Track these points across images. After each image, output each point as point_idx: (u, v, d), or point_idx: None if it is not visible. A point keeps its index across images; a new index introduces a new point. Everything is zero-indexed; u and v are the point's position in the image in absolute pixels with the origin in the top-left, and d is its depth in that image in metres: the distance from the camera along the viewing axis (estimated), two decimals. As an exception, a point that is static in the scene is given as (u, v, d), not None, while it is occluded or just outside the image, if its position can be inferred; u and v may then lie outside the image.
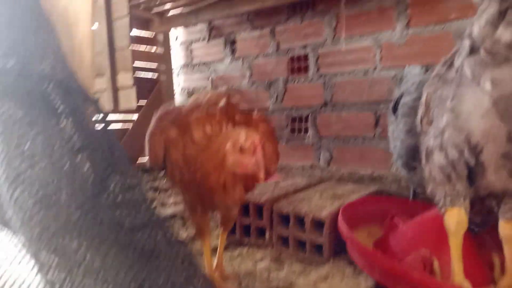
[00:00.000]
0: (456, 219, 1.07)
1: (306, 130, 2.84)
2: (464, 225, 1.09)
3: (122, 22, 2.75)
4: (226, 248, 1.58)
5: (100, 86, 2.98)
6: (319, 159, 2.79)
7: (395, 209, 1.49)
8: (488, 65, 0.88)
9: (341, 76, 2.62)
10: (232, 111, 1.15)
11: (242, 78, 3.17)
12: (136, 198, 1.17)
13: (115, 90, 2.85)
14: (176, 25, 3.34)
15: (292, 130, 2.90)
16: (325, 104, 2.72)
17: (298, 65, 2.82)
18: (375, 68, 2.46)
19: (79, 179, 1.11)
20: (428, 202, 1.59)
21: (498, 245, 1.13)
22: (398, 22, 2.33)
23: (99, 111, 1.11)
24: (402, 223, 1.36)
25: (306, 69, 2.79)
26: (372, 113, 2.50)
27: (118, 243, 1.10)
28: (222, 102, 1.15)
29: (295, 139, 2.87)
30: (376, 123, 2.48)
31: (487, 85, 0.88)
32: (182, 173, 1.11)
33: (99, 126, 1.14)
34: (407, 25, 2.30)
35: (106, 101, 2.97)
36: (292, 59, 2.85)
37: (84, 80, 1.18)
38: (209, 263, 1.21)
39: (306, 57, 2.78)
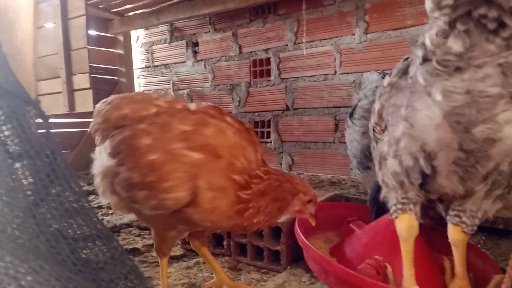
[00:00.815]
0: (407, 225, 1.09)
1: (268, 135, 2.83)
2: (415, 230, 1.10)
3: (78, 22, 2.65)
4: (182, 257, 1.54)
5: (55, 88, 2.86)
6: (281, 163, 2.79)
7: (352, 214, 1.50)
8: (440, 75, 0.89)
9: (302, 81, 2.63)
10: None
11: (204, 81, 3.13)
12: (80, 207, 1.11)
13: (70, 92, 2.74)
14: (136, 27, 3.26)
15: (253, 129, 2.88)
16: (287, 108, 2.72)
17: (260, 69, 2.81)
18: (335, 73, 2.48)
19: (18, 187, 1.04)
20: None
21: (449, 249, 1.15)
22: (357, 28, 2.36)
23: (41, 114, 1.05)
24: (358, 229, 1.37)
25: (268, 73, 2.78)
26: (332, 118, 2.52)
27: (58, 255, 1.04)
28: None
29: (257, 143, 2.85)
30: (336, 128, 2.51)
31: (438, 97, 0.89)
32: None
33: (41, 131, 1.07)
34: (366, 31, 2.33)
35: (61, 104, 2.86)
36: (254, 62, 2.84)
37: (26, 82, 1.11)
38: (165, 278, 1.16)
39: (268, 61, 2.77)
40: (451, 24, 0.84)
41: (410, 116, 0.99)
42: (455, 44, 0.84)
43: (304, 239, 1.21)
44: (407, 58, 1.11)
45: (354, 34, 2.38)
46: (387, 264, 1.17)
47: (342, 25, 2.43)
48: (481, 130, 0.89)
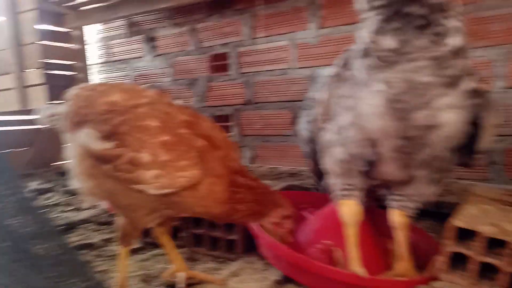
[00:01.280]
0: (351, 210, 1.14)
1: (229, 129, 2.85)
2: (359, 216, 1.16)
3: (28, 16, 2.57)
4: (140, 250, 1.55)
5: (6, 84, 2.77)
6: (243, 157, 2.82)
7: (305, 202, 1.55)
8: (379, 68, 0.95)
9: (261, 75, 2.67)
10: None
11: (163, 76, 3.10)
12: (29, 205, 1.10)
13: (22, 88, 2.65)
14: (92, 21, 3.19)
15: (215, 129, 2.90)
16: (247, 102, 2.75)
17: (219, 63, 2.83)
18: (292, 68, 2.53)
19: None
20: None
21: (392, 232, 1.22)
22: (311, 23, 2.42)
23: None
24: (310, 215, 1.42)
25: (227, 67, 2.80)
26: (290, 111, 2.57)
27: (9, 252, 1.03)
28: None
29: (218, 138, 2.86)
30: (294, 121, 2.56)
31: (380, 86, 0.95)
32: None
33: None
34: (320, 25, 2.39)
35: (14, 101, 2.76)
36: (213, 57, 2.85)
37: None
38: (125, 267, 1.18)
39: (227, 56, 2.79)
40: (385, 22, 0.89)
41: (355, 106, 1.03)
42: (390, 41, 0.90)
43: (257, 226, 1.24)
44: (347, 50, 1.16)
45: (309, 29, 2.43)
46: (336, 248, 1.23)
47: (297, 20, 2.47)
48: (419, 116, 0.95)
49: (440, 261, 1.05)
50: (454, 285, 1.02)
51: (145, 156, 1.00)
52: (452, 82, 0.92)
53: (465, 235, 1.03)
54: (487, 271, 1.00)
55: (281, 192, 1.65)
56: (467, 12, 1.96)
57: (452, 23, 0.87)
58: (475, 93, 0.97)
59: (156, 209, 1.12)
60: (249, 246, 1.39)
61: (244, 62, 2.72)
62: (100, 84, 1.21)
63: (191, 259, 1.43)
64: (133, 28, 3.21)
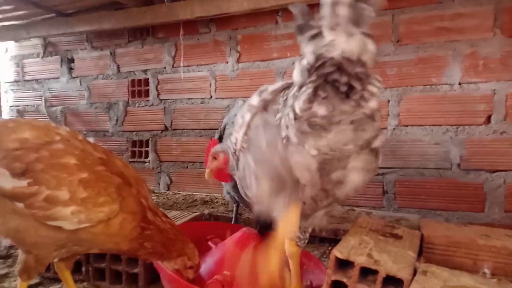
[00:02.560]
0: (295, 247, 1.24)
1: (146, 154, 2.85)
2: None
3: None
4: (37, 286, 1.49)
5: None
6: (159, 183, 2.81)
7: (212, 233, 1.61)
8: (310, 134, 1.04)
9: (180, 103, 2.71)
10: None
11: (80, 98, 3.03)
12: None
13: None
14: (4, 39, 3.04)
15: (133, 154, 2.87)
16: (166, 129, 2.77)
17: (139, 88, 2.83)
18: (210, 97, 2.61)
19: None
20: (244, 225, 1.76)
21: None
22: (230, 57, 2.53)
23: None
24: (214, 246, 1.48)
25: (147, 93, 2.81)
26: (207, 139, 2.64)
27: None
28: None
29: (135, 163, 2.84)
30: (212, 148, 2.63)
31: (313, 151, 1.03)
32: None
33: None
34: (238, 60, 2.51)
35: None
36: (133, 82, 2.85)
37: None
38: None
39: (147, 82, 2.81)
40: (315, 92, 0.97)
41: (286, 155, 1.08)
42: (320, 109, 0.98)
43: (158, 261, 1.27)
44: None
45: (227, 62, 2.55)
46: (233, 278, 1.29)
47: (217, 52, 2.58)
48: (336, 175, 1.08)
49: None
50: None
51: (63, 194, 1.02)
52: (366, 145, 1.05)
53: (346, 264, 1.15)
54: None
55: (190, 223, 1.70)
56: (365, 57, 2.19)
57: (371, 88, 0.99)
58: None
59: (64, 246, 1.11)
60: (152, 279, 1.40)
61: (163, 89, 2.76)
62: (11, 120, 1.17)
63: (93, 293, 1.42)
64: (49, 48, 3.11)
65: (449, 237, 1.37)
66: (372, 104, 1.02)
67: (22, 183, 1.01)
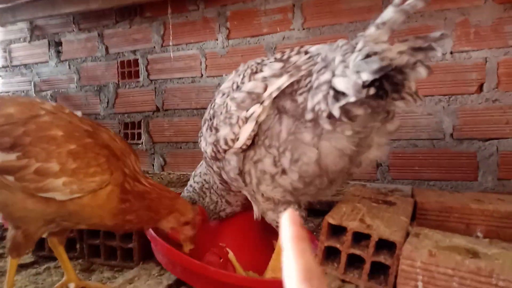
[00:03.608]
0: None
1: (139, 136, 2.83)
2: None
3: None
4: (32, 264, 1.49)
5: None
6: (153, 164, 2.80)
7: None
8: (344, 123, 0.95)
9: (171, 83, 2.68)
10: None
11: (69, 82, 2.99)
12: None
13: None
14: (-11, 23, 2.98)
15: (125, 136, 2.85)
16: (157, 109, 2.75)
17: (128, 70, 2.79)
18: (201, 76, 2.59)
19: None
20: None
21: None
22: (220, 34, 2.49)
23: None
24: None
25: (137, 74, 2.78)
26: (200, 118, 2.61)
27: None
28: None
29: (128, 145, 2.81)
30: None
31: (348, 133, 0.99)
32: None
33: None
34: (228, 37, 2.48)
35: None
36: (122, 63, 2.81)
37: None
38: (12, 279, 1.13)
39: (136, 62, 2.77)
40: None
41: (318, 145, 1.02)
42: (360, 111, 0.89)
43: (152, 232, 1.27)
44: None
45: (217, 40, 2.51)
46: (228, 249, 1.29)
47: (206, 30, 2.54)
48: (364, 156, 1.09)
49: (316, 254, 1.16)
50: (328, 275, 1.13)
51: (53, 166, 1.01)
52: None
53: (338, 231, 1.15)
54: (356, 261, 1.12)
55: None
56: (358, 28, 2.16)
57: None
58: None
59: (52, 221, 1.11)
60: (147, 254, 1.41)
61: (153, 69, 2.72)
62: None
63: (88, 270, 1.42)
64: (36, 32, 3.05)
65: (442, 202, 1.37)
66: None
67: (11, 156, 1.01)
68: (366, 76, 0.77)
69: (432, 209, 1.37)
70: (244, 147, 1.14)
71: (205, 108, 2.54)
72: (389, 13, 0.80)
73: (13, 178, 1.00)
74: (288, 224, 0.41)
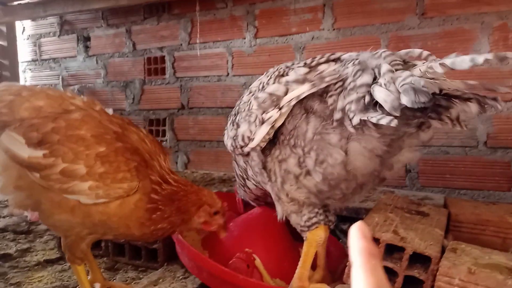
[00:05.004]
0: (326, 233, 1.19)
1: (164, 133, 2.83)
2: (327, 236, 1.21)
3: None
4: (58, 261, 1.50)
5: None
6: (177, 162, 2.80)
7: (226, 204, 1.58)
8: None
9: (197, 81, 2.67)
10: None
11: (96, 77, 3.01)
12: None
13: None
14: (21, 17, 3.03)
15: (150, 133, 2.84)
16: (182, 107, 2.75)
17: (155, 66, 2.80)
18: (227, 75, 2.57)
19: None
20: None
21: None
22: (247, 32, 2.47)
23: None
24: (229, 220, 1.45)
25: (163, 71, 2.78)
26: (225, 117, 2.60)
27: None
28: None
29: (152, 142, 2.82)
30: (229, 127, 2.59)
31: (376, 135, 0.94)
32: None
33: None
34: (255, 35, 2.45)
35: None
36: (149, 60, 2.81)
37: None
38: (86, 283, 1.12)
39: (163, 59, 2.77)
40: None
41: (346, 147, 1.00)
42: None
43: (178, 235, 1.25)
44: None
45: (245, 38, 2.48)
46: (255, 256, 1.26)
47: (233, 28, 2.51)
48: (395, 158, 1.04)
49: (347, 266, 1.13)
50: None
51: (80, 168, 0.98)
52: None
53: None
54: (388, 273, 1.08)
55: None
56: (391, 29, 2.11)
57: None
58: None
59: (81, 236, 1.08)
60: (172, 255, 1.40)
61: (180, 67, 2.72)
62: (25, 88, 1.13)
63: (112, 269, 1.42)
64: (65, 27, 3.09)
65: (478, 215, 1.32)
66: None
67: (38, 153, 0.99)
68: (410, 104, 0.75)
69: (467, 221, 1.32)
70: (258, 148, 1.14)
71: (230, 107, 2.53)
72: (465, 63, 0.75)
73: (38, 175, 0.99)
74: (357, 238, 0.39)
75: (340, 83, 1.00)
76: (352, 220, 1.80)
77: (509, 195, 1.93)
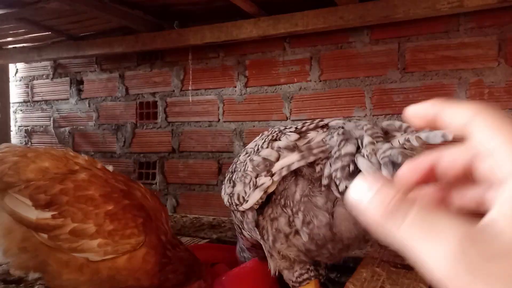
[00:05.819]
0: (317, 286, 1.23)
1: (154, 176, 2.86)
2: None
3: None
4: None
5: None
6: (166, 205, 2.82)
7: (219, 256, 1.61)
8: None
9: (188, 126, 2.75)
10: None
11: (88, 119, 3.06)
12: None
13: None
14: (16, 61, 3.10)
15: (140, 176, 2.89)
16: (173, 151, 2.80)
17: (147, 111, 2.87)
18: (218, 121, 2.65)
19: None
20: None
21: None
22: (238, 81, 2.57)
23: None
24: (222, 272, 1.48)
25: (155, 115, 2.85)
26: (215, 161, 2.66)
27: None
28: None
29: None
30: (219, 171, 2.65)
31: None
32: None
33: None
34: (246, 84, 2.55)
35: None
36: (141, 104, 2.89)
37: None
38: None
39: (155, 104, 2.84)
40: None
41: (332, 210, 1.06)
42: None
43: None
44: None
45: (235, 87, 2.59)
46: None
47: (225, 77, 2.62)
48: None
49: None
50: None
51: (90, 227, 1.02)
52: None
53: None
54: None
55: (198, 245, 1.70)
56: (374, 82, 2.23)
57: None
58: None
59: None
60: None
61: (171, 112, 2.79)
62: (29, 150, 1.17)
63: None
64: (59, 70, 3.16)
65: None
66: None
67: (46, 214, 1.02)
68: (388, 175, 0.81)
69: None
70: (255, 207, 1.19)
71: (220, 152, 2.62)
72: (437, 138, 0.84)
73: (46, 236, 1.02)
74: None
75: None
76: (339, 269, 1.84)
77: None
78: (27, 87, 3.29)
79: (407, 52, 2.18)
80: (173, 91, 2.78)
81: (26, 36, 2.80)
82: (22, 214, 1.02)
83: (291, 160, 1.10)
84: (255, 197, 1.17)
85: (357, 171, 0.94)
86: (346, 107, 2.32)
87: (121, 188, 1.12)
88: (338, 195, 1.01)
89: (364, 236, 1.13)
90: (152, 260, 1.09)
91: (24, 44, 2.95)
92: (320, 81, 2.36)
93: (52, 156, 1.15)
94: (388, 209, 0.29)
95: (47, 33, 2.70)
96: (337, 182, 0.98)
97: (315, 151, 1.07)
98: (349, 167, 0.95)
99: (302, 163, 1.08)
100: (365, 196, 0.31)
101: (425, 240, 0.27)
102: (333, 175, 1.00)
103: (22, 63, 3.25)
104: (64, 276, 1.03)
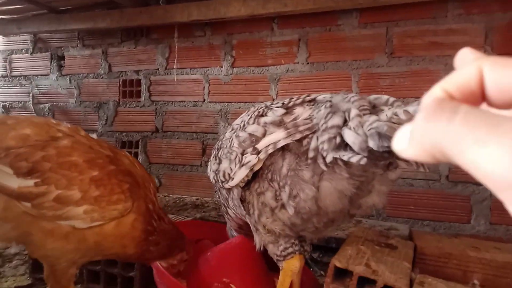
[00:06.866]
0: (299, 263, 1.23)
1: (136, 156, 2.82)
2: (302, 265, 1.25)
3: None
4: (31, 287, 1.46)
5: None
6: (148, 185, 2.79)
7: (204, 233, 1.60)
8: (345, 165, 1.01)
9: (172, 105, 2.70)
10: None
11: (69, 96, 2.98)
12: None
13: None
14: (-8, 33, 2.98)
15: (122, 155, 2.84)
16: (156, 130, 2.76)
17: (130, 89, 2.81)
18: (203, 101, 2.61)
19: None
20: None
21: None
22: (224, 61, 2.54)
23: None
24: (207, 249, 1.47)
25: (138, 94, 2.79)
26: (200, 142, 2.64)
27: None
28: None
29: (124, 164, 2.80)
30: (203, 152, 2.63)
31: (346, 175, 1.03)
32: None
33: None
34: (232, 64, 2.52)
35: None
36: (124, 82, 2.82)
37: None
38: None
39: (139, 82, 2.79)
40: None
41: (318, 184, 1.05)
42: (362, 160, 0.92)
43: (159, 265, 1.26)
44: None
45: (222, 67, 2.55)
46: (233, 286, 1.29)
47: (211, 56, 2.58)
48: (363, 200, 1.11)
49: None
50: (332, 319, 1.14)
51: (75, 194, 0.99)
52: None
53: (343, 273, 1.17)
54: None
55: (182, 222, 1.69)
56: (361, 66, 2.23)
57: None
58: None
59: (74, 261, 1.08)
60: (148, 283, 1.40)
61: (155, 91, 2.74)
62: (9, 117, 1.12)
63: (86, 296, 1.40)
64: (39, 44, 3.05)
65: (441, 248, 1.40)
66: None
67: (29, 182, 0.98)
68: (375, 147, 0.81)
69: (431, 254, 1.40)
70: (241, 185, 1.19)
71: (205, 132, 2.59)
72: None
73: (30, 204, 0.99)
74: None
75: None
76: (322, 249, 1.86)
77: (468, 227, 2.05)
78: (5, 61, 3.17)
79: (394, 36, 2.19)
80: (158, 69, 2.72)
81: (4, 7, 2.68)
82: (3, 183, 0.98)
83: (277, 137, 1.08)
84: (241, 175, 1.16)
85: (343, 143, 0.94)
86: (333, 90, 2.31)
87: (107, 154, 1.09)
88: (324, 167, 1.01)
89: (348, 211, 1.14)
90: (140, 227, 1.08)
91: (3, 16, 2.83)
92: (308, 63, 2.35)
93: (33, 123, 1.10)
94: (438, 102, 0.28)
95: (28, 5, 2.60)
96: (324, 154, 0.98)
97: (301, 128, 1.06)
98: (335, 139, 0.95)
99: (288, 140, 1.07)
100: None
101: (481, 141, 0.25)
102: (320, 147, 0.99)
103: (0, 36, 3.12)
104: (49, 245, 1.00)
